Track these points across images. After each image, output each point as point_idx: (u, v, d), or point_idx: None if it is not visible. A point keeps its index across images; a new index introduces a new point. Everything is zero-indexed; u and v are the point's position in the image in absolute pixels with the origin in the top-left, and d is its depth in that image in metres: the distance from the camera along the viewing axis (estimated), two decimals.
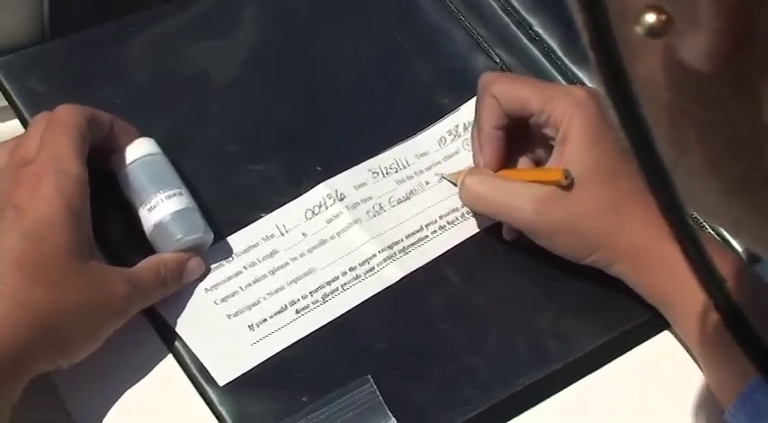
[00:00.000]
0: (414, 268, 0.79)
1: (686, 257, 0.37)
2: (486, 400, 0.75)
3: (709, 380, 0.75)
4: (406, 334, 0.77)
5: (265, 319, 0.76)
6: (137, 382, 0.74)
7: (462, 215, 0.82)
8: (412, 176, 0.83)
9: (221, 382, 0.74)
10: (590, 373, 0.78)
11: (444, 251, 0.81)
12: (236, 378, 0.74)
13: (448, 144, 0.85)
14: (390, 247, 0.80)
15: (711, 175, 0.40)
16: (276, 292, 0.77)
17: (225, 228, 0.79)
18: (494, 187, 0.79)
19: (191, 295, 0.76)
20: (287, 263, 0.79)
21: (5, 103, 0.84)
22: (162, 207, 0.75)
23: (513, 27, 0.91)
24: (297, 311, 0.77)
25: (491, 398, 0.75)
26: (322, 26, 0.90)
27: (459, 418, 0.74)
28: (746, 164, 0.38)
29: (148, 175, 0.77)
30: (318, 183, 0.82)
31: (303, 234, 0.80)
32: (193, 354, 0.75)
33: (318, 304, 0.77)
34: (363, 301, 0.78)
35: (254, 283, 0.78)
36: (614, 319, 0.80)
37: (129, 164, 0.77)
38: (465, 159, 0.84)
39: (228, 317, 0.76)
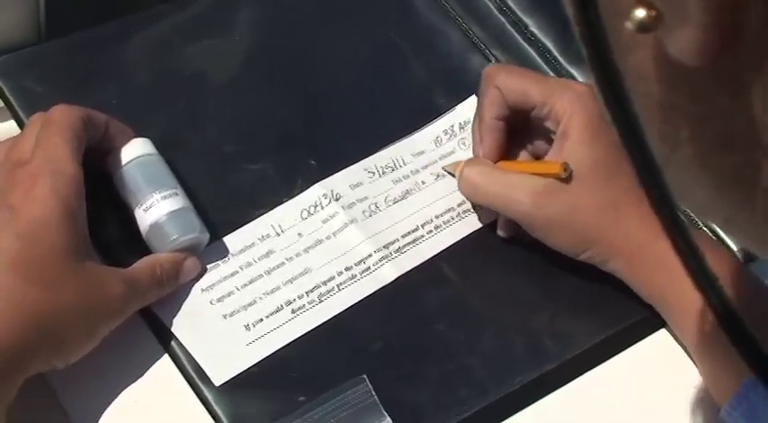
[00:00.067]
0: (409, 268, 0.80)
1: (677, 253, 0.37)
2: (482, 400, 0.75)
3: (705, 378, 0.75)
4: (402, 334, 0.77)
5: (261, 319, 0.76)
6: (133, 382, 0.74)
7: (458, 214, 0.82)
8: (408, 176, 0.83)
9: (217, 382, 0.74)
10: (586, 371, 0.78)
11: (440, 251, 0.81)
12: (232, 378, 0.74)
13: (444, 143, 0.85)
14: (386, 246, 0.80)
15: (703, 171, 0.40)
16: (272, 292, 0.78)
17: (221, 228, 0.79)
18: (492, 178, 0.79)
19: (187, 295, 0.76)
20: (283, 263, 0.79)
21: (1, 104, 0.84)
22: (158, 207, 0.76)
23: (509, 27, 0.91)
24: (293, 311, 0.77)
25: (487, 397, 0.75)
26: (319, 26, 0.90)
27: (455, 417, 0.74)
28: (738, 159, 0.38)
29: (144, 175, 0.77)
30: (314, 183, 0.82)
31: (299, 234, 0.80)
32: (189, 354, 0.75)
33: (314, 304, 0.77)
34: (359, 301, 0.78)
35: (250, 283, 0.78)
36: (611, 317, 0.80)
37: (125, 164, 0.77)
38: (461, 159, 0.83)
39: (224, 317, 0.76)
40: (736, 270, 0.74)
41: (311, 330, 0.77)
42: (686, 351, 0.78)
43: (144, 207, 0.76)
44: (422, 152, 0.85)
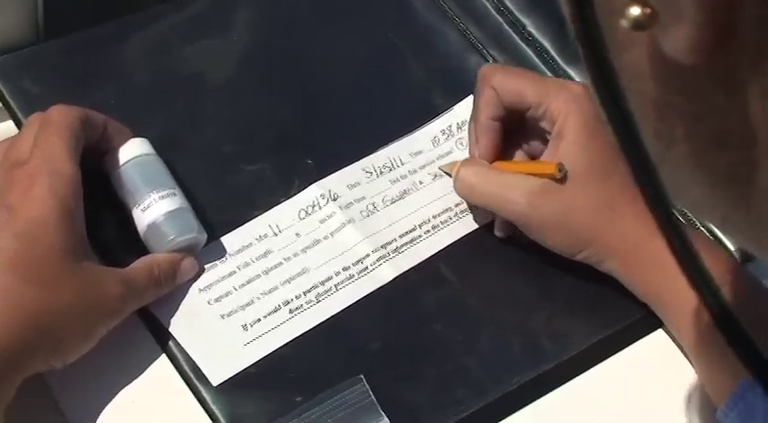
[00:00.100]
0: (407, 268, 0.80)
1: (672, 252, 0.37)
2: (480, 400, 0.75)
3: (701, 378, 0.75)
4: (399, 334, 0.77)
5: (259, 319, 0.76)
6: (130, 382, 0.74)
7: (456, 214, 0.82)
8: (405, 176, 0.84)
9: (215, 382, 0.74)
10: (584, 371, 0.78)
11: (437, 251, 0.81)
12: (230, 378, 0.74)
13: (441, 143, 0.85)
14: (383, 246, 0.80)
15: (698, 169, 0.40)
16: (270, 292, 0.78)
17: (218, 228, 0.79)
18: (488, 179, 0.79)
19: (184, 295, 0.76)
20: (280, 263, 0.79)
21: None
22: (155, 207, 0.76)
23: (507, 27, 0.91)
24: (290, 311, 0.77)
25: (484, 397, 0.75)
26: (316, 27, 0.90)
27: (453, 417, 0.74)
28: (733, 157, 0.38)
29: (142, 175, 0.77)
30: (312, 183, 0.82)
31: (296, 234, 0.80)
32: (187, 354, 0.75)
33: (312, 304, 0.77)
34: (357, 301, 0.78)
35: (248, 283, 0.78)
36: (608, 317, 0.80)
37: (123, 164, 0.77)
38: (458, 159, 0.83)
39: (222, 317, 0.76)
40: (734, 270, 0.74)
41: (309, 330, 0.77)
42: (683, 351, 0.78)
43: (142, 207, 0.76)
44: (419, 152, 0.85)
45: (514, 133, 0.82)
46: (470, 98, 0.85)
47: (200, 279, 0.77)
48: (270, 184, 0.82)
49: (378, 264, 0.79)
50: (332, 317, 0.77)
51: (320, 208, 0.81)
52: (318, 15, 0.91)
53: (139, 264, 0.75)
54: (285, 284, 0.78)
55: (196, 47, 0.88)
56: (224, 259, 0.78)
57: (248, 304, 0.77)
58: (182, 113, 0.84)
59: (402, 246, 0.80)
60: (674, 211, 0.38)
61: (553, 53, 0.90)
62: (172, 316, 0.76)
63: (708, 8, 0.33)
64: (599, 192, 0.76)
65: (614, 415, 0.77)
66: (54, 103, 0.76)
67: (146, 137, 0.79)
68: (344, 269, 0.79)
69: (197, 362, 0.74)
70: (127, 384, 0.74)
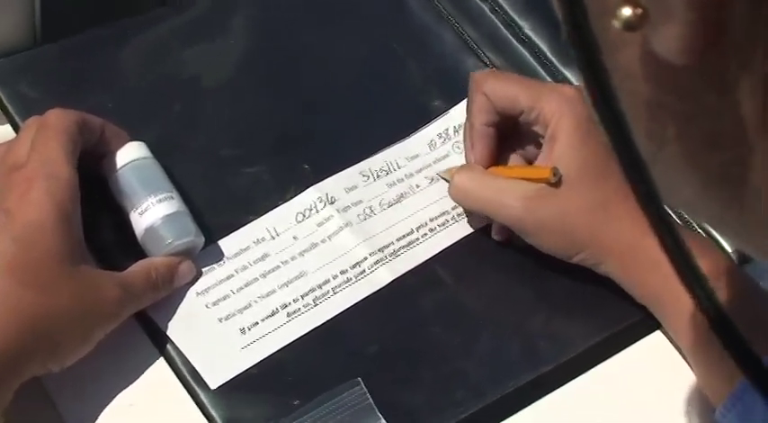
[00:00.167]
0: (404, 271, 0.80)
1: (664, 250, 0.37)
2: (478, 402, 0.75)
3: (699, 380, 0.75)
4: (397, 337, 0.77)
5: (257, 323, 0.76)
6: (128, 385, 0.74)
7: (453, 218, 0.82)
8: (402, 179, 0.84)
9: (213, 386, 0.74)
10: (582, 373, 0.78)
11: (435, 254, 0.81)
12: (228, 381, 0.74)
13: (438, 147, 0.85)
14: (381, 250, 0.80)
15: (690, 169, 0.40)
16: (267, 295, 0.78)
17: (216, 231, 0.79)
18: (483, 184, 0.79)
19: (182, 299, 0.76)
20: (278, 266, 0.79)
21: None
22: (153, 211, 0.76)
23: (503, 28, 0.91)
24: (288, 315, 0.77)
25: (482, 400, 0.75)
26: (313, 30, 0.90)
27: (451, 419, 0.74)
28: (725, 157, 0.38)
29: (139, 179, 0.77)
30: (309, 186, 0.82)
31: (294, 237, 0.80)
32: (185, 357, 0.75)
33: (309, 307, 0.77)
34: (354, 305, 0.78)
35: (246, 286, 0.78)
36: (606, 319, 0.80)
37: (120, 168, 0.77)
38: (455, 162, 0.84)
39: (220, 320, 0.76)
40: (730, 271, 0.74)
41: (306, 334, 0.77)
42: (681, 353, 0.78)
43: (139, 211, 0.76)
44: (416, 156, 0.85)
45: (509, 138, 0.82)
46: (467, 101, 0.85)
47: (197, 282, 0.77)
48: (267, 187, 0.82)
49: (375, 267, 0.79)
50: (329, 320, 0.77)
51: (317, 211, 0.81)
52: (315, 18, 0.91)
53: (137, 267, 0.75)
54: (283, 288, 0.78)
55: (193, 50, 0.88)
56: (221, 263, 0.78)
57: (246, 308, 0.77)
58: (179, 117, 0.84)
59: (399, 249, 0.80)
60: (669, 212, 0.38)
61: (549, 55, 0.90)
62: (169, 319, 0.76)
63: (698, 7, 0.34)
64: (593, 193, 0.76)
65: (613, 416, 0.77)
66: (51, 106, 0.77)
67: (143, 140, 0.79)
68: (342, 272, 0.79)
69: (195, 365, 0.74)
70: (125, 388, 0.74)
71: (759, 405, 0.62)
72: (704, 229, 0.82)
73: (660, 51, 0.35)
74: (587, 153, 0.76)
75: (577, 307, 0.80)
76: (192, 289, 0.77)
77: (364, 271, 0.79)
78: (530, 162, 0.81)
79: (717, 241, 0.81)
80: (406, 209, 0.82)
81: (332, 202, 0.81)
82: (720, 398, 0.70)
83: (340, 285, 0.78)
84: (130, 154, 0.78)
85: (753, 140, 0.37)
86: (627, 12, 0.35)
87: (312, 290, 0.78)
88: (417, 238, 0.81)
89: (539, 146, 0.80)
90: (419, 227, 0.82)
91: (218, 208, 0.80)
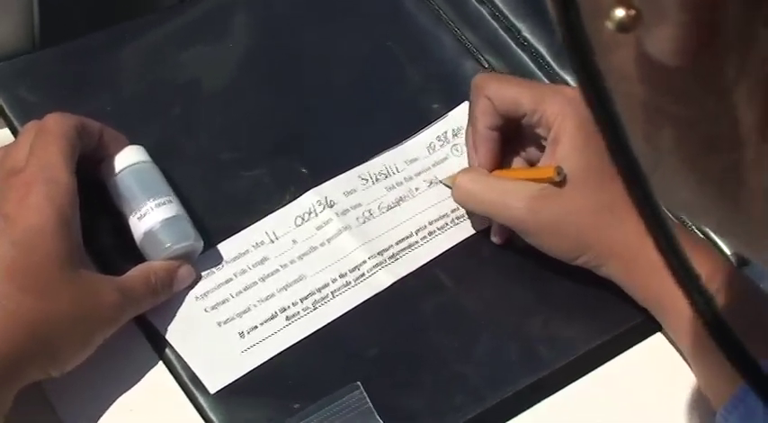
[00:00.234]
0: (404, 274, 0.80)
1: (660, 252, 0.37)
2: (478, 406, 0.75)
3: (700, 382, 0.75)
4: (397, 340, 0.77)
5: (256, 327, 0.76)
6: (128, 389, 0.74)
7: (452, 220, 0.82)
8: (401, 183, 0.83)
9: (212, 390, 0.74)
10: (582, 376, 0.78)
11: (434, 257, 0.81)
12: (227, 385, 0.74)
13: (437, 150, 0.85)
14: (380, 253, 0.80)
15: (688, 172, 0.40)
16: (266, 299, 0.78)
17: (215, 235, 0.79)
18: (486, 185, 0.79)
19: (181, 303, 0.76)
20: (277, 270, 0.79)
21: None
22: (151, 215, 0.76)
23: (502, 32, 0.91)
24: (287, 318, 0.77)
25: (482, 403, 0.75)
26: (312, 33, 0.90)
27: None
28: (722, 158, 0.38)
29: (138, 183, 0.77)
30: (308, 189, 0.82)
31: (293, 241, 0.80)
32: (184, 361, 0.75)
33: (309, 311, 0.77)
34: (353, 308, 0.78)
35: (245, 290, 0.78)
36: (606, 321, 0.79)
37: (119, 172, 0.77)
38: (454, 165, 0.84)
39: (219, 324, 0.76)
40: (729, 273, 0.74)
41: (306, 337, 0.76)
42: (682, 355, 0.78)
43: (138, 215, 0.76)
44: (415, 159, 0.85)
45: (512, 141, 0.82)
46: (466, 104, 0.85)
47: (196, 287, 0.77)
48: (266, 191, 0.82)
49: (374, 270, 0.79)
50: (329, 324, 0.77)
51: (317, 215, 0.81)
52: (314, 21, 0.91)
53: (136, 272, 0.75)
54: (282, 291, 0.78)
55: (192, 54, 0.88)
56: (221, 266, 0.78)
57: (245, 311, 0.77)
58: (178, 120, 0.84)
59: (399, 252, 0.80)
60: (667, 215, 0.38)
61: (548, 58, 0.90)
62: (169, 324, 0.76)
63: (691, 8, 0.34)
64: (597, 195, 0.76)
65: (614, 419, 0.77)
66: (50, 110, 0.76)
67: (142, 144, 0.79)
68: (341, 276, 0.79)
69: (194, 369, 0.74)
70: (124, 392, 0.74)
71: (761, 408, 0.62)
72: (703, 232, 0.82)
73: (653, 53, 0.35)
74: (591, 154, 0.76)
75: (578, 310, 0.80)
76: (191, 293, 0.77)
77: (363, 274, 0.79)
78: (533, 165, 0.81)
79: (716, 244, 0.81)
80: (405, 212, 0.82)
81: (331, 206, 0.81)
82: (722, 400, 0.70)
83: (339, 289, 0.78)
84: (129, 158, 0.78)
85: (750, 143, 0.36)
86: (620, 13, 0.35)
87: (311, 293, 0.78)
88: (417, 242, 0.81)
89: (542, 148, 0.80)
90: (418, 230, 0.82)
91: (217, 212, 0.80)
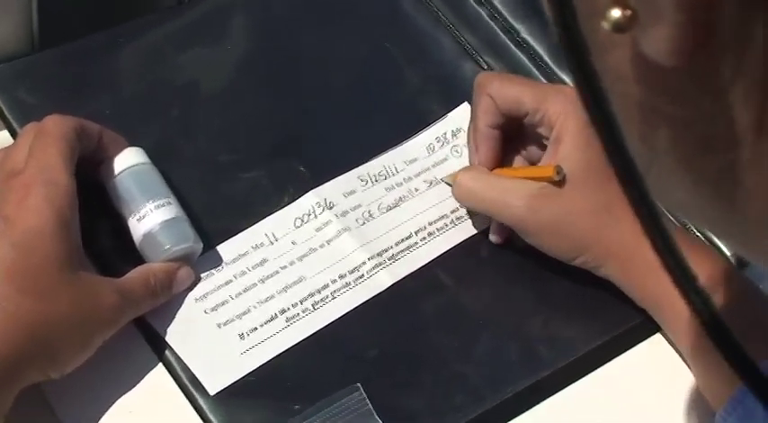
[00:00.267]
0: (403, 275, 0.80)
1: (656, 252, 0.37)
2: (478, 407, 0.75)
3: (699, 383, 0.75)
4: (396, 341, 0.77)
5: (255, 328, 0.76)
6: (127, 391, 0.74)
7: (452, 221, 0.82)
8: (401, 183, 0.83)
9: (212, 392, 0.74)
10: (582, 376, 0.78)
11: (434, 257, 0.81)
12: (227, 387, 0.74)
13: (436, 151, 0.85)
14: (380, 254, 0.80)
15: (684, 172, 0.40)
16: (266, 300, 0.77)
17: (214, 236, 0.79)
18: (486, 183, 0.79)
19: (181, 305, 0.76)
20: (276, 271, 0.79)
21: None
22: (151, 217, 0.75)
23: (501, 34, 0.91)
24: (287, 320, 0.77)
25: (482, 404, 0.75)
26: (311, 34, 0.90)
27: None
28: (719, 158, 0.38)
29: (137, 184, 0.77)
30: (307, 190, 0.82)
31: (292, 242, 0.80)
32: (184, 363, 0.75)
33: (308, 312, 0.77)
34: (353, 309, 0.78)
35: (244, 291, 0.78)
36: (606, 322, 0.79)
37: (118, 174, 0.77)
38: (454, 166, 0.84)
39: (218, 326, 0.76)
40: (728, 274, 0.74)
41: (305, 339, 0.76)
42: (681, 356, 0.78)
43: (137, 217, 0.76)
44: (414, 160, 0.85)
45: (513, 140, 0.82)
46: (465, 105, 0.85)
47: (196, 288, 0.77)
48: (265, 192, 0.82)
49: (374, 271, 0.79)
50: (328, 325, 0.77)
51: (316, 216, 0.81)
52: (312, 23, 0.91)
53: (135, 273, 0.75)
54: (282, 293, 0.78)
55: (190, 56, 0.88)
56: (220, 268, 0.78)
57: (245, 313, 0.77)
58: (176, 122, 0.84)
59: (398, 253, 0.80)
60: (663, 215, 0.38)
61: (547, 59, 0.90)
62: (168, 325, 0.76)
63: (687, 8, 0.33)
64: (597, 195, 0.76)
65: (613, 419, 0.77)
66: (49, 112, 0.76)
67: (141, 146, 0.79)
68: (341, 277, 0.79)
69: (194, 371, 0.74)
70: (124, 394, 0.74)
71: (760, 409, 0.62)
72: (702, 233, 0.82)
73: (649, 53, 0.35)
74: (592, 154, 0.76)
75: (577, 310, 0.80)
76: (190, 294, 0.77)
77: (363, 275, 0.79)
78: (534, 164, 0.81)
79: (716, 245, 0.81)
80: (404, 213, 0.82)
81: (330, 207, 0.81)
82: (720, 401, 0.70)
83: (339, 290, 0.78)
84: (128, 160, 0.78)
85: (746, 143, 0.36)
86: (616, 13, 0.35)
87: (311, 295, 0.78)
88: (416, 242, 0.81)
89: (543, 148, 0.80)
90: (418, 231, 0.82)
91: (217, 213, 0.80)
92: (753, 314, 0.72)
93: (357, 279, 0.79)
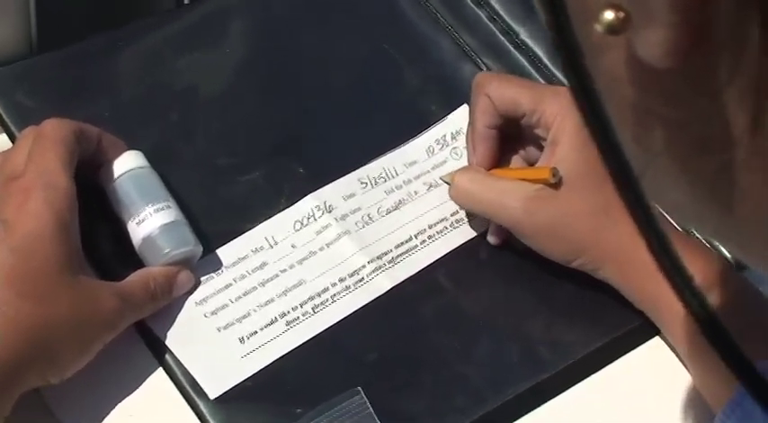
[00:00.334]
0: (403, 278, 0.79)
1: (651, 253, 0.37)
2: (479, 409, 0.75)
3: (698, 384, 0.75)
4: (397, 344, 0.77)
5: (255, 332, 0.76)
6: (127, 395, 0.74)
7: (452, 224, 0.82)
8: (401, 186, 0.83)
9: (212, 396, 0.74)
10: (582, 379, 0.78)
11: (434, 260, 0.81)
12: (227, 391, 0.74)
13: (436, 153, 0.85)
14: (379, 257, 0.80)
15: (679, 173, 0.40)
16: (266, 304, 0.77)
17: (214, 240, 0.79)
18: (484, 185, 0.79)
19: (181, 308, 0.76)
20: (276, 275, 0.79)
21: None
22: (150, 221, 0.75)
23: (500, 35, 0.91)
24: (287, 323, 0.77)
25: (483, 406, 0.75)
26: (310, 37, 0.90)
27: None
28: (714, 160, 0.38)
29: (136, 188, 0.77)
30: (306, 191, 0.82)
31: (292, 246, 0.80)
32: (184, 367, 0.75)
33: (308, 316, 0.77)
34: (353, 312, 0.78)
35: (244, 295, 0.78)
36: (606, 325, 0.79)
37: (118, 177, 0.77)
38: (453, 168, 0.83)
39: (219, 330, 0.76)
40: (724, 273, 0.73)
41: (306, 342, 0.76)
42: (680, 358, 0.77)
43: (137, 220, 0.76)
44: (414, 162, 0.85)
45: (512, 140, 0.81)
46: (464, 107, 0.85)
47: (196, 292, 0.77)
48: (265, 195, 0.82)
49: (374, 274, 0.79)
50: (329, 328, 0.77)
51: (316, 219, 0.81)
52: (312, 26, 0.90)
53: (135, 277, 0.75)
54: (281, 296, 0.78)
55: (188, 59, 0.88)
56: (220, 272, 0.78)
57: (245, 317, 0.77)
58: (175, 125, 0.84)
59: (398, 256, 0.80)
60: (659, 216, 0.37)
61: (546, 61, 0.90)
62: (168, 329, 0.75)
63: (681, 10, 0.33)
64: (594, 197, 0.76)
65: (614, 421, 0.76)
66: (48, 116, 0.76)
67: (140, 149, 0.79)
68: (341, 280, 0.79)
69: (194, 375, 0.74)
70: (124, 398, 0.74)
71: (758, 411, 0.62)
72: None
73: (643, 55, 0.35)
74: (589, 156, 0.76)
75: (577, 312, 0.80)
76: (190, 298, 0.77)
77: (363, 279, 0.79)
78: (532, 165, 0.81)
79: (714, 246, 0.81)
80: (404, 216, 0.82)
81: (330, 210, 0.81)
82: (719, 403, 0.70)
83: (339, 293, 0.78)
84: (127, 163, 0.77)
85: (741, 143, 0.36)
86: (609, 15, 0.35)
87: (311, 298, 0.78)
88: (416, 245, 0.81)
89: (541, 148, 0.80)
90: (418, 234, 0.81)
91: (216, 216, 0.80)
92: (749, 314, 0.72)
93: (357, 282, 0.79)
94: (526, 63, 0.90)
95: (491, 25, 0.92)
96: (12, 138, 0.82)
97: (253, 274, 0.78)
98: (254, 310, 0.77)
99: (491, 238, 0.81)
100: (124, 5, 0.91)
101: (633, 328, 0.79)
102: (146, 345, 0.76)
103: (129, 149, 0.78)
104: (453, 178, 0.80)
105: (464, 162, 0.83)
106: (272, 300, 0.78)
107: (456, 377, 0.76)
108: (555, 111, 0.77)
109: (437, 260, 0.81)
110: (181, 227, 0.76)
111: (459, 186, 0.79)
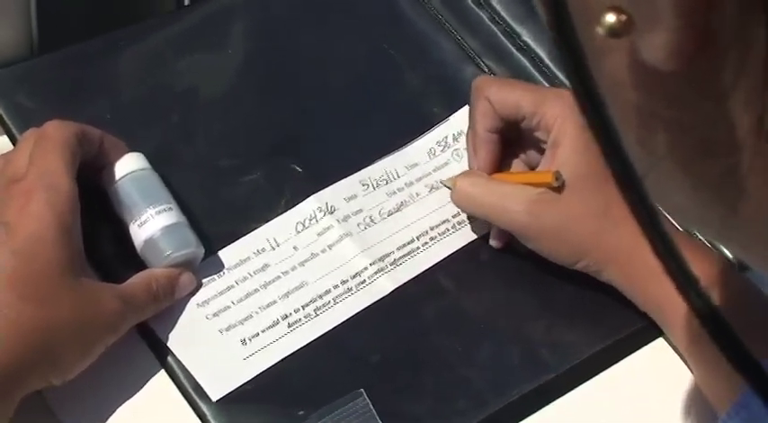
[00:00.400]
0: (405, 280, 0.79)
1: (656, 255, 0.37)
2: (481, 412, 0.75)
3: (702, 386, 0.75)
4: (399, 346, 0.77)
5: (258, 334, 0.76)
6: (129, 397, 0.74)
7: (453, 226, 0.82)
8: (402, 188, 0.83)
9: (214, 398, 0.74)
10: (585, 381, 0.78)
11: (436, 262, 0.80)
12: (229, 393, 0.74)
13: (438, 155, 0.85)
14: (381, 259, 0.80)
15: (683, 176, 0.40)
16: (268, 306, 0.77)
17: (216, 242, 0.79)
18: (486, 189, 0.79)
19: (183, 310, 0.76)
20: (278, 277, 0.79)
21: None
22: (152, 223, 0.75)
23: (502, 37, 0.91)
24: (289, 325, 0.77)
25: (485, 409, 0.75)
26: (311, 38, 0.90)
27: None
28: (718, 163, 0.38)
29: (138, 190, 0.77)
30: (307, 194, 0.82)
31: (294, 247, 0.80)
32: (186, 369, 0.74)
33: (310, 318, 0.77)
34: (355, 314, 0.78)
35: (246, 297, 0.77)
36: (609, 327, 0.79)
37: (119, 179, 0.77)
38: (455, 170, 0.83)
39: (221, 331, 0.76)
40: (727, 274, 0.73)
41: (308, 344, 0.76)
42: (684, 359, 0.77)
43: (138, 222, 0.76)
44: (416, 164, 0.85)
45: (512, 144, 0.81)
46: (466, 108, 0.85)
47: (198, 294, 0.77)
48: (266, 196, 0.82)
49: (376, 276, 0.79)
50: (330, 330, 0.77)
51: (317, 221, 0.81)
52: (313, 27, 0.90)
53: (137, 279, 0.74)
54: (283, 298, 0.78)
55: (190, 60, 0.87)
56: (222, 273, 0.78)
57: (247, 318, 0.77)
58: (177, 127, 0.84)
59: (400, 258, 0.80)
60: (662, 217, 0.37)
61: (548, 62, 0.90)
62: (170, 331, 0.75)
63: (685, 12, 0.33)
64: (597, 199, 0.76)
65: None
66: (49, 118, 0.76)
67: (141, 151, 0.79)
68: (343, 282, 0.79)
69: (196, 377, 0.74)
70: (126, 400, 0.74)
71: (764, 414, 0.62)
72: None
73: (647, 58, 0.35)
74: (591, 158, 0.76)
75: (580, 314, 0.80)
76: (192, 300, 0.77)
77: (365, 281, 0.79)
78: (533, 168, 0.81)
79: (717, 247, 0.81)
80: (406, 218, 0.82)
81: (332, 212, 0.81)
82: (723, 404, 0.70)
83: (341, 295, 0.78)
84: (129, 165, 0.77)
85: (746, 146, 0.36)
86: (611, 18, 0.35)
87: (313, 300, 0.78)
88: (418, 247, 0.81)
89: (542, 152, 0.80)
90: (420, 235, 0.81)
91: (218, 218, 0.80)
92: (752, 314, 0.72)
93: (359, 284, 0.79)
94: (528, 64, 0.90)
95: (493, 26, 0.92)
96: (13, 139, 0.82)
97: (255, 276, 0.78)
98: (256, 312, 0.77)
99: (493, 242, 0.81)
100: (125, 7, 0.91)
101: (636, 330, 0.79)
102: (148, 346, 0.76)
103: (130, 151, 0.78)
104: (455, 182, 0.80)
105: (465, 163, 0.83)
106: (274, 302, 0.77)
107: (458, 379, 0.76)
108: (555, 113, 0.77)
109: (439, 262, 0.81)
110: (182, 229, 0.76)
111: (461, 190, 0.79)
